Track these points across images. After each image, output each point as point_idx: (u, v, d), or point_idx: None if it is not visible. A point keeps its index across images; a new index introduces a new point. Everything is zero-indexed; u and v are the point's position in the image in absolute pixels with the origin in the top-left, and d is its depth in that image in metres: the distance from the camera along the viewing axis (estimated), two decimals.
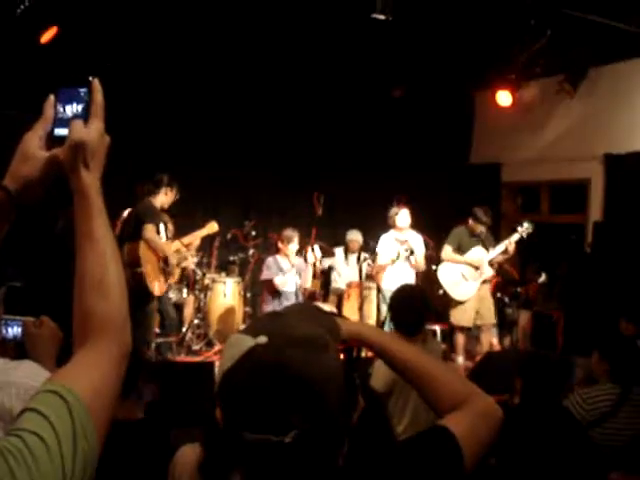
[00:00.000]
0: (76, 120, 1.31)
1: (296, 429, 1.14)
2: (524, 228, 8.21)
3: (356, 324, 1.62)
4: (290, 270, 7.84)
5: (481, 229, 8.26)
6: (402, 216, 8.26)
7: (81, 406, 1.06)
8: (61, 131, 1.33)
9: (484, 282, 8.26)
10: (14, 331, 2.26)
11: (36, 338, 2.13)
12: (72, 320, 1.23)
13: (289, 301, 7.75)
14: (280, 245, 7.92)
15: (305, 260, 7.97)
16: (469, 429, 1.40)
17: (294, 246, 7.89)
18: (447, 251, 8.38)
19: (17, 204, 1.30)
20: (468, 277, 8.27)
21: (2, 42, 6.88)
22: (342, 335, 1.41)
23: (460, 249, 8.30)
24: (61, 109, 1.36)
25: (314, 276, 9.26)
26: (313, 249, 7.98)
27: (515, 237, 8.18)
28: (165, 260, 6.94)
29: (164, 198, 7.15)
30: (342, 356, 1.36)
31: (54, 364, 1.98)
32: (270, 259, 7.89)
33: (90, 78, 1.35)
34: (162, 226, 7.11)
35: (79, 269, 1.24)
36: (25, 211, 1.33)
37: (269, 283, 7.76)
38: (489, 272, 8.22)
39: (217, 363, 6.95)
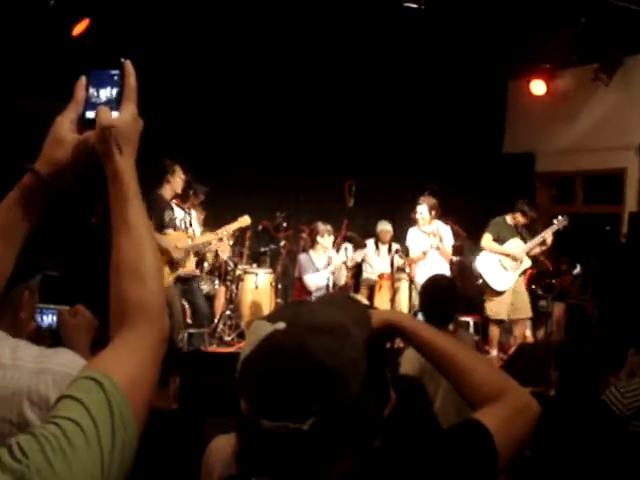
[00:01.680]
0: (102, 106, 1.29)
1: (314, 416, 1.12)
2: (560, 220, 8.10)
3: (389, 312, 1.59)
4: (325, 267, 7.80)
5: (522, 221, 8.17)
6: (420, 211, 8.21)
7: (119, 393, 1.05)
8: (93, 114, 1.31)
9: (520, 274, 8.16)
10: (49, 319, 2.27)
11: (71, 327, 2.12)
12: (107, 308, 1.23)
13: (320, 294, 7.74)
14: (318, 239, 7.84)
15: (337, 252, 7.94)
16: (504, 424, 1.35)
17: (328, 240, 7.84)
18: (487, 239, 8.28)
19: (49, 188, 1.29)
20: (508, 267, 8.17)
21: (35, 34, 6.93)
22: (374, 324, 1.38)
23: (499, 239, 8.21)
24: (94, 92, 1.34)
25: (346, 268, 9.25)
26: (346, 248, 7.93)
27: (552, 229, 8.07)
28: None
29: (169, 185, 7.04)
30: (374, 348, 1.33)
31: (89, 353, 1.98)
32: (303, 257, 7.82)
33: (122, 60, 1.33)
34: (173, 215, 7.02)
35: (115, 255, 1.23)
36: (62, 201, 1.32)
37: (300, 280, 7.74)
38: (528, 263, 8.14)
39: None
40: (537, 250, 8.22)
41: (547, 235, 8.04)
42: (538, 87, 9.08)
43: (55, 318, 2.24)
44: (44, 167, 1.29)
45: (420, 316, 4.27)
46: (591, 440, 3.18)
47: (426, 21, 7.26)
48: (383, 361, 1.34)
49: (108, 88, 1.34)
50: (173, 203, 7.12)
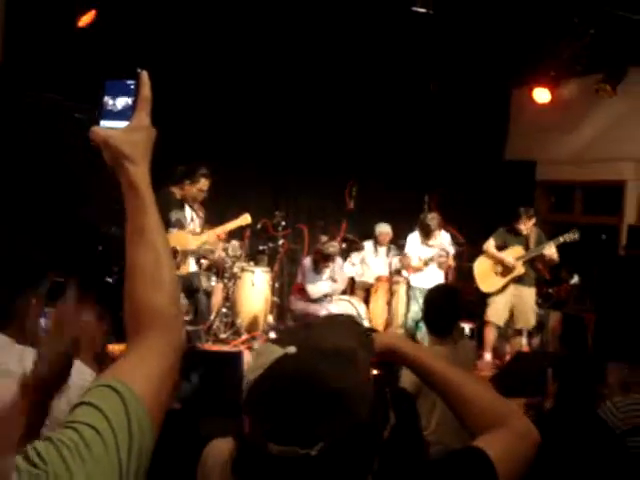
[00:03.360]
0: (94, 127, 1.30)
1: (323, 442, 1.12)
2: (568, 235, 8.05)
3: (391, 337, 1.59)
4: (327, 277, 7.85)
5: (526, 228, 8.17)
6: (430, 224, 8.29)
7: (136, 401, 1.06)
8: (108, 123, 1.32)
9: (520, 283, 8.15)
10: None
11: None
12: (113, 313, 1.23)
13: (318, 303, 7.78)
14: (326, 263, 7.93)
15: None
16: (506, 451, 1.36)
17: (337, 261, 7.93)
18: (489, 243, 8.33)
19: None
20: (498, 272, 8.23)
21: (40, 25, 6.91)
22: (376, 349, 1.38)
23: (504, 246, 8.23)
24: (110, 101, 1.35)
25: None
26: (353, 263, 8.00)
27: (556, 241, 8.00)
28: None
29: (188, 188, 7.08)
30: (376, 371, 1.34)
31: (93, 358, 1.97)
32: (307, 262, 7.85)
33: (138, 70, 1.35)
34: (186, 216, 7.06)
35: (131, 263, 1.24)
36: (77, 220, 1.34)
37: (300, 285, 7.75)
38: (521, 271, 8.14)
39: (245, 353, 6.96)
40: (539, 265, 8.21)
41: (548, 248, 7.99)
42: (542, 95, 9.08)
43: None
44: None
45: (423, 325, 4.27)
46: (588, 456, 3.18)
47: (433, 26, 7.26)
48: (384, 383, 1.35)
49: (124, 97, 1.35)
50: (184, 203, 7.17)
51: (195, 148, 8.20)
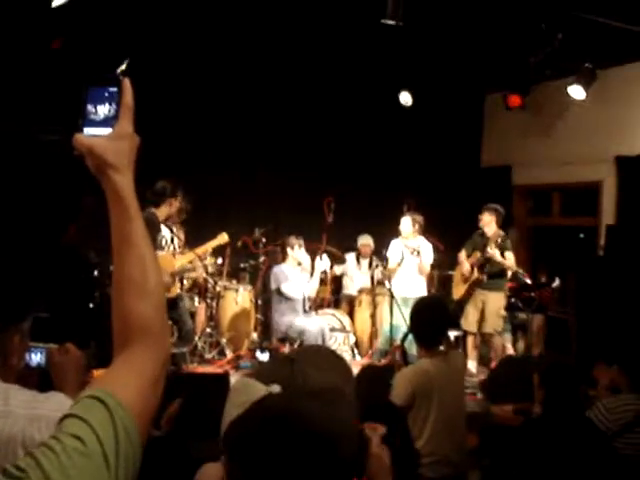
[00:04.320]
0: (76, 134, 1.27)
1: None
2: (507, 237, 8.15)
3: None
4: (296, 278, 7.82)
5: (487, 227, 8.19)
6: (403, 224, 8.25)
7: (123, 410, 1.05)
8: (91, 130, 1.31)
9: (486, 288, 8.17)
10: (38, 358, 2.23)
11: (61, 365, 2.09)
12: (93, 346, 1.22)
13: (298, 307, 7.73)
14: (289, 251, 7.90)
15: (312, 267, 7.94)
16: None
17: (298, 252, 7.86)
18: (460, 254, 8.42)
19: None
20: (462, 279, 8.34)
21: (10, 53, 6.88)
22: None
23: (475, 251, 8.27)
24: (92, 109, 1.34)
25: (324, 283, 9.23)
26: (321, 258, 7.95)
27: (494, 244, 8.00)
28: None
29: (168, 208, 6.96)
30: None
31: (79, 391, 1.94)
32: (276, 269, 7.86)
33: (120, 77, 1.33)
34: (165, 237, 7.00)
35: (117, 273, 1.23)
36: (56, 249, 1.32)
37: (277, 291, 7.75)
38: (474, 275, 8.18)
39: (232, 372, 6.92)
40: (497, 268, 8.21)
41: (489, 249, 7.98)
42: (514, 101, 9.15)
43: (44, 357, 2.20)
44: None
45: (411, 336, 4.25)
46: (578, 459, 3.18)
47: (403, 37, 7.29)
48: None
49: (106, 105, 1.34)
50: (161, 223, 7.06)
51: (171, 165, 8.13)
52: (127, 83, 1.33)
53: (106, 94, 1.35)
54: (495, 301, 8.18)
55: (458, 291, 8.42)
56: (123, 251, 1.22)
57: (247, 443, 1.15)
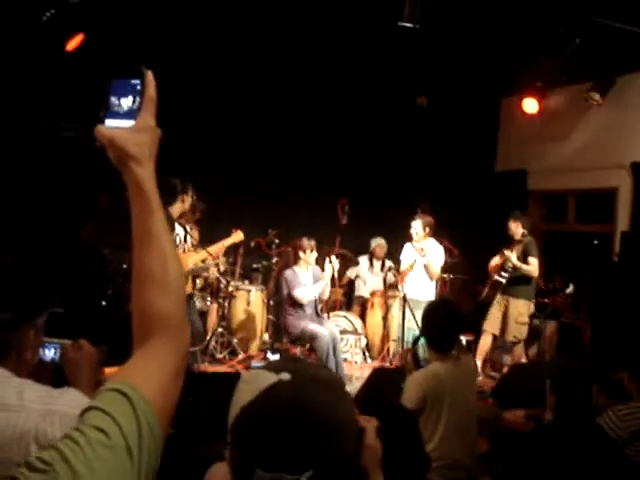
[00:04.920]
0: (99, 125, 1.27)
1: (312, 468, 1.12)
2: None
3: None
4: (308, 281, 7.76)
5: (515, 232, 8.21)
6: (414, 227, 8.23)
7: (145, 402, 1.06)
8: (112, 122, 1.31)
9: (507, 294, 8.18)
10: (52, 353, 2.24)
11: (74, 361, 2.10)
12: (109, 342, 1.22)
13: (310, 311, 7.70)
14: (301, 254, 7.82)
15: (322, 270, 7.89)
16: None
17: (311, 256, 7.81)
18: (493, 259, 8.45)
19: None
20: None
21: (29, 50, 6.92)
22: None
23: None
24: (116, 101, 1.33)
25: (335, 285, 9.21)
26: (331, 260, 7.92)
27: (515, 254, 8.08)
28: None
29: (181, 206, 6.96)
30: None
31: (92, 387, 1.95)
32: (288, 272, 7.77)
33: (143, 69, 1.33)
34: (179, 235, 6.98)
35: (138, 267, 1.23)
36: (72, 245, 1.32)
37: (289, 296, 7.67)
38: (494, 277, 8.22)
39: (242, 373, 6.92)
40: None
41: (512, 258, 8.04)
42: (531, 105, 9.12)
43: (58, 352, 2.21)
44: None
45: (422, 340, 4.22)
46: (589, 467, 3.17)
47: (420, 40, 7.28)
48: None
49: (130, 97, 1.33)
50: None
51: (187, 167, 8.14)
52: (150, 76, 1.32)
53: (129, 86, 1.35)
54: (515, 308, 8.19)
55: (481, 293, 8.49)
56: (144, 244, 1.22)
57: (255, 428, 1.17)
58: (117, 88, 1.36)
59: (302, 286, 7.65)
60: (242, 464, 1.16)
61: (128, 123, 1.29)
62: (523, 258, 8.05)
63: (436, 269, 8.24)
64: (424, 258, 8.12)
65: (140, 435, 1.02)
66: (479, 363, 8.23)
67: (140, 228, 1.23)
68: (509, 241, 8.28)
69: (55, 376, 2.11)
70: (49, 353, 2.24)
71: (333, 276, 8.22)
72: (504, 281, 8.14)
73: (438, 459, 3.67)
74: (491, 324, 8.27)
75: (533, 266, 8.07)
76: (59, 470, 0.94)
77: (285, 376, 1.21)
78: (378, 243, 9.48)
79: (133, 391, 1.06)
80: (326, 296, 8.14)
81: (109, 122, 1.32)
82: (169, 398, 1.14)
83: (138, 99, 1.33)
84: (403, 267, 8.31)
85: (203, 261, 7.31)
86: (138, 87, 1.33)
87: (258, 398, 1.20)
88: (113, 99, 1.34)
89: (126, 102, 1.34)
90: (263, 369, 1.27)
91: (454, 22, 7.34)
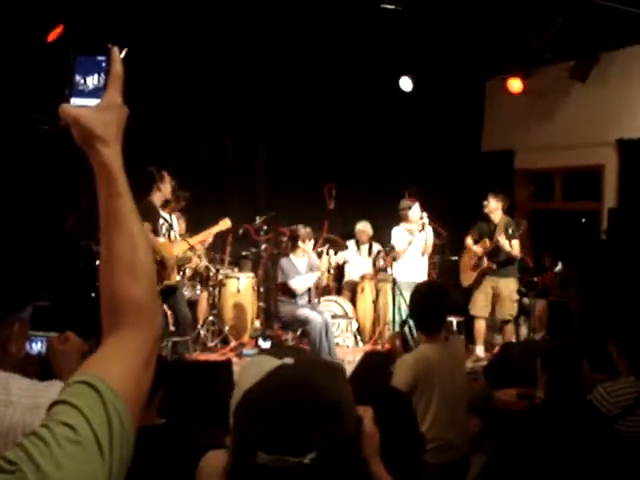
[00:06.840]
0: (63, 103, 1.23)
1: (315, 451, 1.12)
2: (518, 226, 8.18)
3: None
4: (307, 270, 7.72)
5: (493, 214, 8.22)
6: (414, 210, 8.22)
7: (114, 394, 1.03)
8: (78, 101, 1.27)
9: (496, 274, 8.18)
10: (38, 347, 2.23)
11: (60, 354, 2.08)
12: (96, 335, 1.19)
13: (303, 298, 7.68)
14: (299, 244, 7.74)
15: (319, 256, 7.86)
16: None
17: (309, 244, 7.78)
18: (467, 240, 8.46)
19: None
20: (471, 265, 8.38)
21: (8, 41, 6.86)
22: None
23: (481, 239, 8.30)
24: (81, 80, 1.29)
25: (326, 270, 9.20)
26: (328, 253, 7.89)
27: (504, 234, 8.04)
28: (161, 262, 6.55)
29: (161, 194, 6.90)
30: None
31: None
32: (284, 261, 7.69)
33: (109, 45, 1.28)
34: (165, 223, 6.93)
35: (107, 252, 1.17)
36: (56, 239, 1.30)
37: (284, 285, 7.61)
38: (484, 263, 8.22)
39: (234, 360, 6.92)
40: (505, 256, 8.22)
41: (500, 239, 8.03)
42: (515, 85, 9.13)
43: (44, 345, 2.20)
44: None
45: (411, 322, 4.24)
46: (581, 442, 3.19)
47: (403, 21, 7.26)
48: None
49: (95, 75, 1.29)
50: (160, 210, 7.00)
51: (173, 154, 8.09)
52: (116, 52, 1.27)
53: (94, 63, 1.29)
54: (507, 287, 8.22)
55: (467, 278, 8.44)
56: (111, 227, 1.17)
57: (258, 410, 1.18)
58: (82, 65, 1.31)
59: (298, 274, 7.60)
60: (244, 447, 1.16)
61: (94, 102, 1.25)
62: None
63: (430, 246, 8.28)
64: (420, 235, 8.13)
65: (110, 427, 1.00)
66: (482, 348, 8.26)
67: (107, 211, 1.18)
68: (483, 218, 8.33)
69: (42, 369, 2.10)
70: (36, 347, 2.22)
71: (329, 270, 8.23)
72: (495, 266, 8.16)
73: (430, 441, 3.68)
74: (480, 308, 8.29)
75: (516, 249, 8.14)
76: (25, 470, 0.91)
77: (289, 360, 1.23)
78: (360, 228, 9.49)
79: (101, 382, 1.02)
80: (323, 284, 8.14)
81: (75, 101, 1.26)
82: (140, 387, 1.10)
83: (104, 77, 1.28)
84: (400, 248, 8.27)
85: (191, 249, 7.28)
86: (104, 64, 1.28)
87: (262, 381, 1.21)
88: (78, 77, 1.29)
89: (91, 80, 1.29)
90: (266, 354, 1.29)
91: (437, 3, 7.32)
